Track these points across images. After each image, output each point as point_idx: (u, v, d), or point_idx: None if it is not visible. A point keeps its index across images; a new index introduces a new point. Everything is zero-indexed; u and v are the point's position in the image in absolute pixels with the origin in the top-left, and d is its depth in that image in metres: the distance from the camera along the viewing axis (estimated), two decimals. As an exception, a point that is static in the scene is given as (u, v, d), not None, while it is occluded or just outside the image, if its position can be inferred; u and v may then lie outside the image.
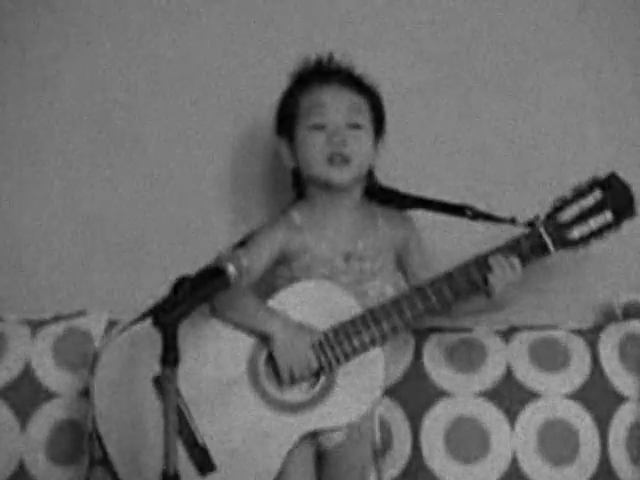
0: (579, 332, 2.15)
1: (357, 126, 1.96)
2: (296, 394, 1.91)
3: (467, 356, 2.12)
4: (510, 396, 2.08)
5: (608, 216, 1.93)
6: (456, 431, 2.07)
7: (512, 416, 2.07)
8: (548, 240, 1.93)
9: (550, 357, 2.11)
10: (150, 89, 2.30)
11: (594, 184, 1.94)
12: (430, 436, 2.08)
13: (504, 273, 1.91)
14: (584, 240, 1.95)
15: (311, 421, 1.90)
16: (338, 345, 1.90)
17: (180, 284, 1.96)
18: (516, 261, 1.92)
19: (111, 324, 2.16)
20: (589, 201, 1.93)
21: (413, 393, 2.10)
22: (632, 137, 2.30)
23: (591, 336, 2.14)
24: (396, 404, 2.10)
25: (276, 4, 2.30)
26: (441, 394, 2.09)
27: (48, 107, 2.31)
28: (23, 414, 2.12)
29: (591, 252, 2.23)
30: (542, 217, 1.95)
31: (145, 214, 2.31)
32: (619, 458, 2.07)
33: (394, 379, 2.12)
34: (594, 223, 1.94)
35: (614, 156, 2.28)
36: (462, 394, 2.09)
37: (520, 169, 2.30)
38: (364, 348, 1.91)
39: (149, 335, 1.88)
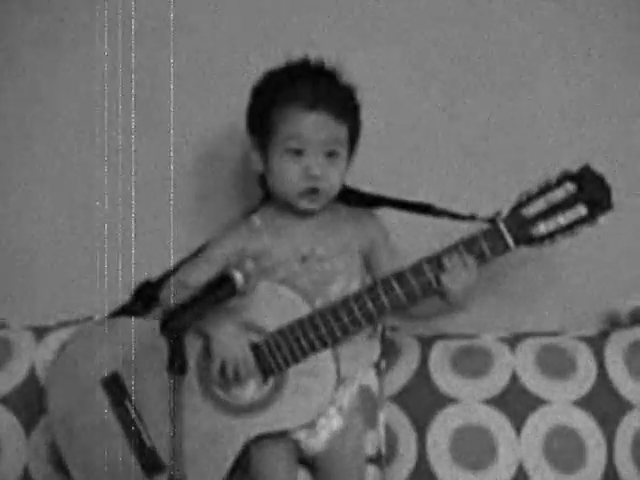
0: (585, 339, 2.15)
1: (334, 154, 1.93)
2: (245, 396, 1.90)
3: (473, 363, 2.11)
4: (516, 403, 2.08)
5: (582, 210, 1.84)
6: (462, 438, 2.06)
7: (518, 423, 2.07)
8: (508, 236, 1.86)
9: (556, 364, 2.11)
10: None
11: (565, 177, 1.86)
12: (436, 443, 2.07)
13: (458, 273, 1.86)
14: (551, 236, 1.86)
15: (259, 424, 1.89)
16: (286, 346, 1.88)
17: (143, 288, 2.00)
18: (471, 261, 1.86)
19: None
20: (559, 195, 1.85)
21: (419, 400, 2.09)
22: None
23: (597, 343, 2.14)
24: (402, 411, 2.10)
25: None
26: (447, 401, 2.08)
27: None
28: (28, 420, 2.11)
29: (598, 258, 2.26)
30: (505, 212, 1.87)
31: (144, 219, 2.31)
32: (625, 465, 2.06)
33: (399, 386, 2.11)
34: (564, 218, 1.85)
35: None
36: (468, 401, 2.08)
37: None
38: (313, 349, 1.88)
39: (101, 336, 1.95)
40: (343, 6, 2.28)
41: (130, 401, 1.91)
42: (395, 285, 1.87)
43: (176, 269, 2.03)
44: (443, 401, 2.09)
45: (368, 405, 2.06)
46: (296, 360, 1.88)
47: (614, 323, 2.24)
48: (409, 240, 2.06)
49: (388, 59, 2.27)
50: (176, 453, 1.61)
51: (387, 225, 2.03)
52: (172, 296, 1.93)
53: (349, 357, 1.94)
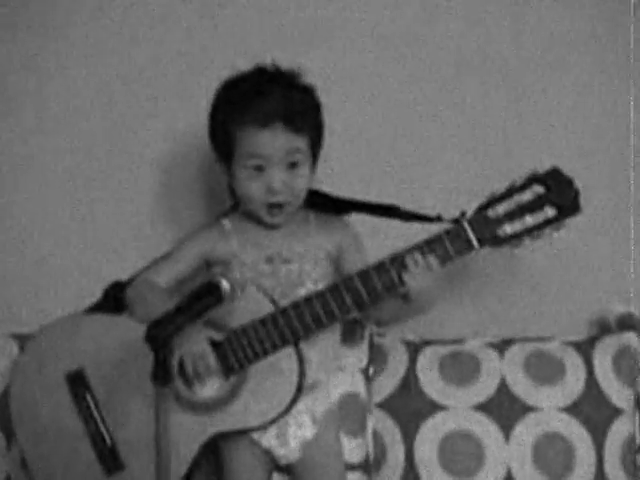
0: (573, 344, 2.14)
1: (296, 164, 1.92)
2: (207, 393, 1.88)
3: (461, 369, 2.11)
4: (505, 409, 2.07)
5: (550, 212, 1.83)
6: (450, 444, 2.06)
7: (507, 429, 2.06)
8: (472, 236, 1.85)
9: (545, 369, 2.10)
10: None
11: (533, 179, 1.85)
12: (424, 449, 2.06)
13: (420, 272, 1.85)
14: (517, 237, 1.85)
15: (219, 422, 1.88)
16: (248, 344, 1.86)
17: (112, 289, 2.00)
18: (433, 260, 1.85)
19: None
20: (527, 196, 1.84)
21: (407, 406, 2.08)
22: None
23: (585, 348, 2.13)
24: (390, 417, 2.09)
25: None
26: (435, 407, 2.07)
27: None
28: (9, 429, 2.07)
29: (586, 264, 2.25)
30: (470, 212, 1.86)
31: (138, 224, 2.29)
32: (614, 471, 2.06)
33: (387, 392, 2.09)
34: (531, 219, 1.84)
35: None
36: (456, 407, 2.08)
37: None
38: (274, 347, 1.86)
39: (66, 332, 1.95)
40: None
41: (93, 398, 1.90)
42: (358, 283, 1.86)
43: (147, 268, 2.02)
44: (431, 407, 2.08)
45: (356, 411, 2.06)
46: (257, 358, 1.86)
47: (603, 329, 2.23)
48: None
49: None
50: (162, 462, 1.59)
51: (357, 230, 2.02)
52: (138, 294, 1.93)
53: (318, 362, 1.93)
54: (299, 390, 1.88)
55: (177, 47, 2.26)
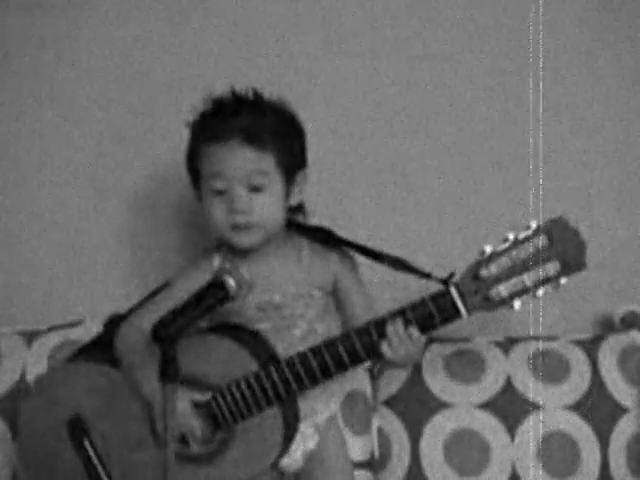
0: (578, 343, 2.14)
1: (260, 189, 1.85)
2: (196, 447, 1.86)
3: (466, 367, 2.10)
4: (510, 407, 2.07)
5: (551, 269, 1.66)
6: (456, 443, 2.06)
7: (512, 427, 2.06)
8: (459, 303, 1.70)
9: (550, 368, 2.10)
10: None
11: (535, 230, 1.67)
12: (429, 448, 2.06)
13: (399, 344, 1.76)
14: (513, 297, 1.68)
15: (212, 474, 1.85)
16: (233, 404, 1.82)
17: (113, 321, 1.98)
18: (415, 332, 1.74)
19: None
20: (526, 250, 1.66)
21: (412, 404, 2.08)
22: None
23: (591, 347, 2.13)
24: (395, 415, 2.09)
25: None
26: (440, 405, 2.07)
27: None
28: (17, 426, 2.09)
29: (591, 262, 2.24)
30: (460, 273, 1.70)
31: (138, 224, 2.30)
32: (620, 469, 2.05)
33: (392, 390, 2.10)
34: (529, 278, 1.66)
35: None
36: (461, 405, 2.08)
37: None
38: (259, 408, 1.82)
39: (69, 377, 1.93)
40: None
41: (92, 444, 1.88)
42: (339, 346, 1.78)
43: (142, 303, 1.98)
44: (436, 405, 2.08)
45: (361, 409, 2.06)
46: (243, 418, 1.82)
47: (607, 327, 2.23)
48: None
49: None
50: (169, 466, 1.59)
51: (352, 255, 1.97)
52: (127, 342, 1.90)
53: (317, 392, 1.91)
54: (288, 442, 1.86)
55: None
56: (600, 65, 2.26)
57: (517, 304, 1.69)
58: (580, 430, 2.05)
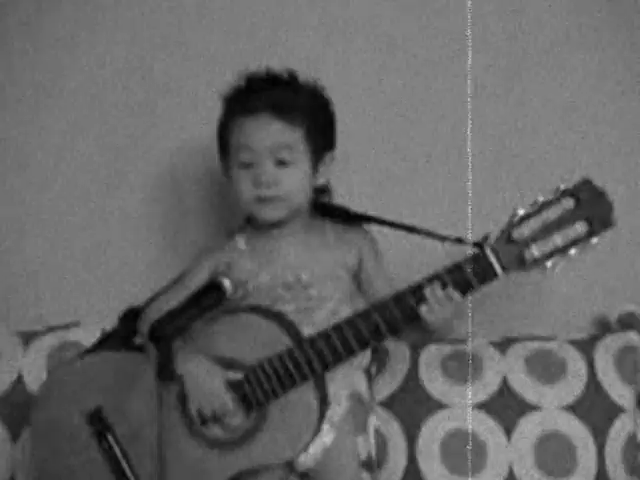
0: (575, 343, 2.14)
1: (286, 163, 1.88)
2: (227, 431, 1.85)
3: (463, 367, 2.10)
4: (506, 408, 2.07)
5: (580, 228, 1.71)
6: (452, 443, 2.06)
7: (509, 428, 2.06)
8: (495, 262, 1.74)
9: (546, 368, 2.10)
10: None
11: (562, 192, 1.72)
12: (426, 448, 2.06)
13: (439, 306, 1.77)
14: (545, 259, 1.73)
15: (242, 459, 1.84)
16: (266, 381, 1.81)
17: (128, 314, 1.95)
18: (454, 293, 1.76)
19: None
20: (555, 212, 1.72)
21: (409, 405, 2.09)
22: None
23: (587, 347, 2.13)
24: (392, 416, 2.09)
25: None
26: (437, 406, 2.08)
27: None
28: (14, 426, 2.10)
29: (587, 263, 2.25)
30: (493, 235, 1.75)
31: (136, 225, 2.30)
32: (616, 470, 2.06)
33: (389, 391, 2.10)
34: (560, 238, 1.72)
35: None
36: (458, 406, 2.08)
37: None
38: (293, 384, 1.81)
39: (86, 370, 1.90)
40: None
41: (114, 436, 1.83)
42: (376, 316, 1.79)
43: (159, 294, 1.97)
44: (433, 406, 2.08)
45: (359, 410, 2.06)
46: (276, 395, 1.82)
47: (604, 328, 2.24)
48: (398, 257, 2.02)
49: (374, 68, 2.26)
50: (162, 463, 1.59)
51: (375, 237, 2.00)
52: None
53: (340, 377, 1.92)
54: (320, 422, 1.86)
55: (187, 56, 2.27)
56: (603, 61, 2.28)
57: (549, 264, 1.74)
58: (576, 430, 2.06)
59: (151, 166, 2.29)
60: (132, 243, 2.29)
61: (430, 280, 1.79)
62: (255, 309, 1.87)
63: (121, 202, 2.30)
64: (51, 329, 2.19)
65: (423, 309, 1.79)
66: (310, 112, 1.90)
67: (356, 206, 1.98)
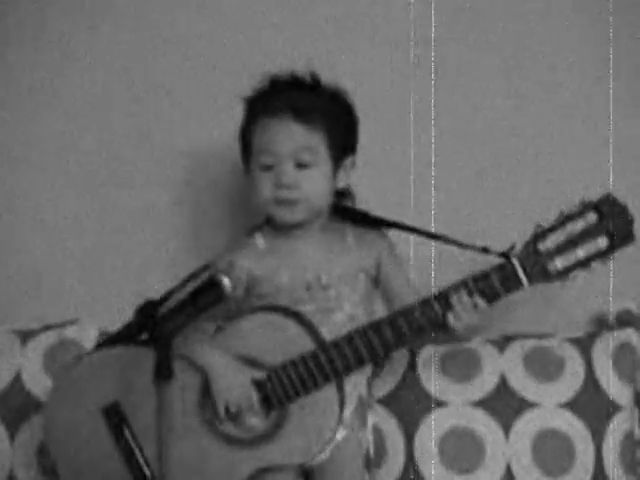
0: (573, 341, 2.14)
1: (307, 165, 1.88)
2: (247, 429, 1.87)
3: (461, 365, 2.11)
4: (504, 405, 2.07)
5: (602, 243, 1.76)
6: (450, 441, 2.06)
7: (506, 425, 2.06)
8: (522, 273, 1.78)
9: (544, 366, 2.10)
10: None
11: (586, 206, 1.77)
12: (424, 446, 2.06)
13: (466, 314, 1.80)
14: (567, 271, 1.78)
15: (262, 457, 1.86)
16: (289, 382, 1.83)
17: (145, 308, 1.94)
18: (480, 301, 1.80)
19: (102, 334, 2.15)
20: (578, 226, 1.76)
21: (407, 403, 2.09)
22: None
23: (585, 345, 2.13)
24: (390, 414, 2.09)
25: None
26: (435, 404, 2.08)
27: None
28: (13, 425, 2.10)
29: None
30: (519, 246, 1.79)
31: (133, 223, 2.30)
32: (614, 467, 2.06)
33: (388, 388, 2.10)
34: (582, 252, 1.77)
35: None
36: (456, 404, 2.08)
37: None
38: (316, 386, 1.83)
39: (100, 365, 1.90)
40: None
41: (130, 431, 1.86)
42: (401, 321, 1.82)
43: (178, 287, 1.93)
44: (431, 404, 2.08)
45: (361, 408, 2.06)
46: (298, 395, 1.84)
47: (602, 325, 2.24)
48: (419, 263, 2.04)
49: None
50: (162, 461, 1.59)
51: (395, 241, 2.01)
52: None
53: (352, 377, 1.92)
54: (340, 422, 1.87)
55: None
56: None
57: (572, 277, 1.79)
58: (574, 428, 2.06)
59: (151, 166, 2.29)
60: (131, 241, 2.29)
61: (456, 287, 1.81)
62: (277, 309, 1.88)
63: (120, 201, 2.30)
64: (49, 327, 2.19)
65: (450, 316, 1.81)
66: (332, 116, 1.91)
67: (378, 210, 1.99)
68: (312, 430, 1.85)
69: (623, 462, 2.07)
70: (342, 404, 1.87)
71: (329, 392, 1.85)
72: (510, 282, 1.79)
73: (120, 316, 2.01)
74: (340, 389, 1.87)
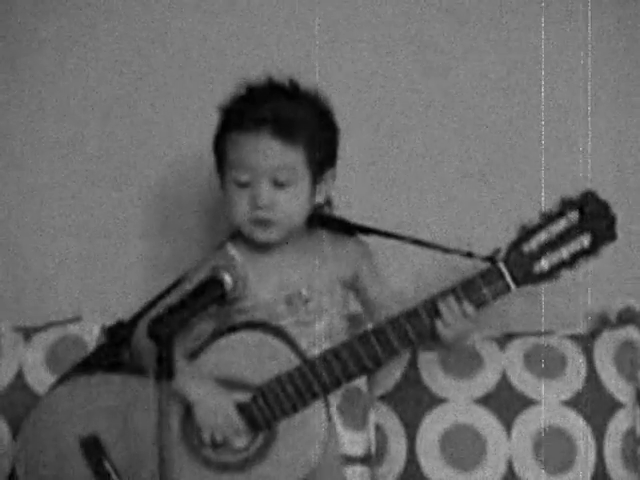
0: (574, 338, 2.15)
1: (284, 185, 1.79)
2: (234, 453, 1.82)
3: (463, 362, 2.11)
4: (506, 403, 2.08)
5: (585, 241, 1.74)
6: (452, 438, 2.06)
7: (508, 423, 2.06)
8: (509, 277, 1.75)
9: (545, 363, 2.10)
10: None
11: (567, 205, 1.74)
12: (426, 443, 2.07)
13: (454, 321, 1.76)
14: (554, 271, 1.75)
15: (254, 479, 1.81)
16: (275, 402, 1.78)
17: (115, 330, 1.93)
18: (469, 307, 1.76)
19: (104, 331, 2.15)
20: (561, 225, 1.73)
21: (409, 400, 2.09)
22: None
23: (586, 342, 2.14)
24: (392, 411, 2.09)
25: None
26: (437, 401, 2.08)
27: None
28: (15, 421, 2.10)
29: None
30: (503, 249, 1.76)
31: (138, 221, 2.30)
32: (615, 464, 2.06)
33: (389, 385, 2.10)
34: (567, 251, 1.74)
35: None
36: (458, 401, 2.08)
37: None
38: (304, 404, 1.78)
39: (77, 394, 1.85)
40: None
41: (110, 463, 1.82)
42: (389, 332, 1.77)
43: (147, 307, 1.92)
44: (433, 401, 2.08)
45: (357, 405, 2.06)
46: (286, 414, 1.79)
47: (603, 323, 2.24)
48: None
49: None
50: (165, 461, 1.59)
51: (374, 250, 1.96)
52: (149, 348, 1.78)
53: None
54: (328, 435, 1.83)
55: (182, 63, 2.25)
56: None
57: (559, 276, 1.77)
58: (576, 425, 2.06)
59: (152, 166, 2.29)
60: (133, 240, 2.29)
61: (444, 295, 1.77)
62: (257, 326, 1.83)
63: (123, 199, 2.30)
64: (51, 324, 2.19)
65: (439, 324, 1.77)
66: (312, 129, 1.81)
67: (359, 217, 1.94)
68: (301, 449, 1.80)
69: (624, 459, 2.07)
70: (329, 416, 1.83)
71: (317, 410, 1.80)
72: (497, 286, 1.76)
73: (122, 313, 2.03)
74: (327, 406, 1.82)
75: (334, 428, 1.94)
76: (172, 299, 1.78)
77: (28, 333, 2.17)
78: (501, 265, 1.76)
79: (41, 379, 2.11)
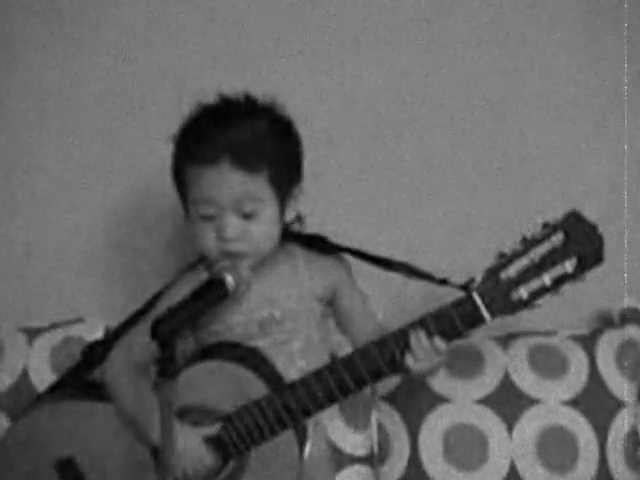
0: (577, 338, 2.15)
1: (251, 215, 1.72)
2: None
3: (465, 362, 2.11)
4: (508, 402, 2.08)
5: (569, 266, 1.62)
6: (454, 438, 2.07)
7: (510, 423, 2.07)
8: (483, 308, 1.65)
9: (548, 363, 2.11)
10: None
11: (552, 227, 1.63)
12: (428, 443, 2.07)
13: (424, 356, 1.69)
14: (534, 298, 1.64)
15: None
16: (245, 431, 1.73)
17: (90, 350, 1.93)
18: (441, 343, 1.68)
19: (108, 332, 2.15)
20: (543, 249, 1.62)
21: (411, 399, 2.09)
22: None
23: (589, 342, 2.14)
24: (394, 410, 2.10)
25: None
26: (439, 400, 2.08)
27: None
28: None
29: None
30: (479, 277, 1.65)
31: (140, 221, 2.30)
32: (617, 464, 2.06)
33: (391, 385, 2.10)
34: (549, 276, 1.63)
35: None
36: (460, 400, 2.09)
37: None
38: (273, 433, 1.73)
39: (52, 418, 1.82)
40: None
41: None
42: (358, 362, 1.71)
43: (121, 328, 1.91)
44: (435, 400, 2.08)
45: (360, 405, 2.07)
46: (256, 444, 1.74)
47: (605, 322, 2.24)
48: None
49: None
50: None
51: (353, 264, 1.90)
52: (118, 381, 1.80)
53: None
54: (301, 460, 1.79)
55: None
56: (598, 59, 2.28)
57: (538, 304, 1.67)
58: (578, 425, 2.06)
59: (154, 163, 2.29)
60: (137, 241, 2.29)
61: (414, 326, 1.70)
62: (224, 349, 1.78)
63: (123, 200, 2.30)
64: (55, 325, 2.19)
65: (409, 359, 1.71)
66: (274, 149, 1.73)
67: (333, 234, 1.88)
68: (273, 472, 1.76)
69: (627, 459, 2.07)
70: (302, 442, 1.80)
71: (287, 437, 1.75)
72: (471, 318, 1.67)
73: (125, 314, 2.03)
74: (300, 432, 1.78)
75: (323, 431, 1.93)
76: (157, 313, 1.69)
77: (32, 334, 2.17)
78: (475, 295, 1.66)
79: (45, 380, 2.11)
